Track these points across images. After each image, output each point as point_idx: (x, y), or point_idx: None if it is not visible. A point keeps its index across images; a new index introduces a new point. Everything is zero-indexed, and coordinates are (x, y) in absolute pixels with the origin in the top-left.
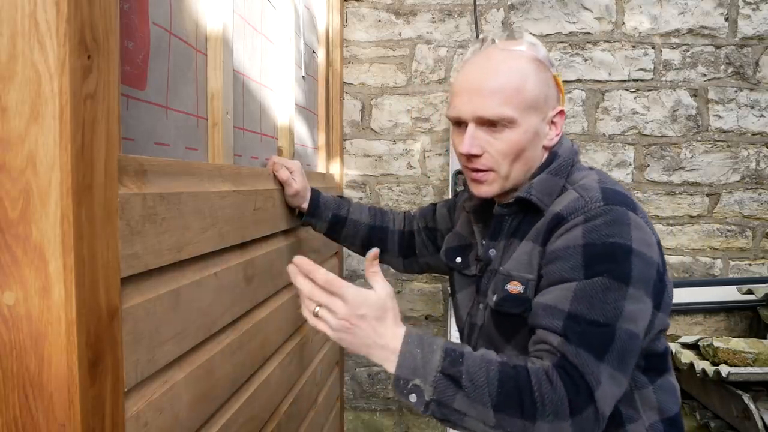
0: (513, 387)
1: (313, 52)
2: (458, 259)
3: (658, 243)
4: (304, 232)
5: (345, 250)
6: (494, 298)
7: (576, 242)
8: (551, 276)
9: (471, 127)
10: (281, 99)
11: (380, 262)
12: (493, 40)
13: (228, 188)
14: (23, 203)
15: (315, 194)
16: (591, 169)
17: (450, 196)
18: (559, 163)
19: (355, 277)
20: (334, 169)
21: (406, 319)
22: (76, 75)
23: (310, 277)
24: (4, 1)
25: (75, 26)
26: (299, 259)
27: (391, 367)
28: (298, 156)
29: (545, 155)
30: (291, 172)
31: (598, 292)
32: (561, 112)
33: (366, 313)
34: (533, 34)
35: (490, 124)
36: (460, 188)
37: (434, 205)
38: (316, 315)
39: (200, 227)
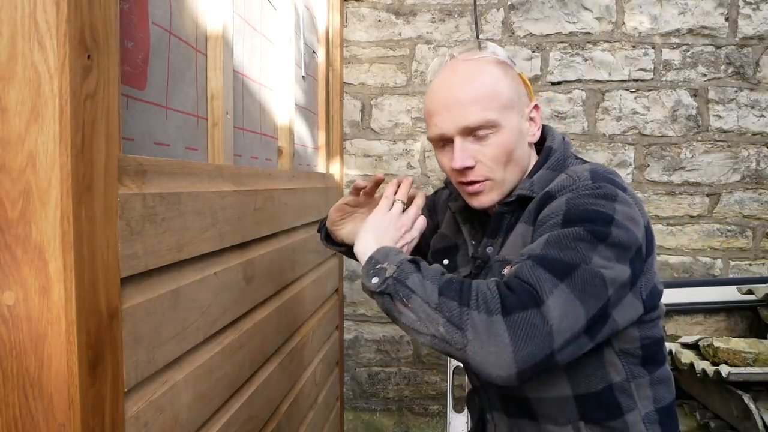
0: (457, 282)
1: (313, 52)
2: (445, 261)
3: (648, 228)
4: (304, 232)
5: None
6: None
7: (559, 208)
8: (534, 240)
9: (458, 140)
10: (281, 99)
11: None
12: (452, 55)
13: (228, 188)
14: (23, 203)
15: None
16: (585, 162)
17: None
18: (556, 158)
19: (354, 277)
20: (334, 169)
21: None
22: (76, 75)
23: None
24: (4, 1)
25: (75, 26)
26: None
27: (370, 249)
28: (298, 156)
29: (532, 152)
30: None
31: (569, 240)
32: (536, 107)
33: (402, 221)
34: (534, 34)
35: (475, 133)
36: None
37: None
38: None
39: (200, 227)
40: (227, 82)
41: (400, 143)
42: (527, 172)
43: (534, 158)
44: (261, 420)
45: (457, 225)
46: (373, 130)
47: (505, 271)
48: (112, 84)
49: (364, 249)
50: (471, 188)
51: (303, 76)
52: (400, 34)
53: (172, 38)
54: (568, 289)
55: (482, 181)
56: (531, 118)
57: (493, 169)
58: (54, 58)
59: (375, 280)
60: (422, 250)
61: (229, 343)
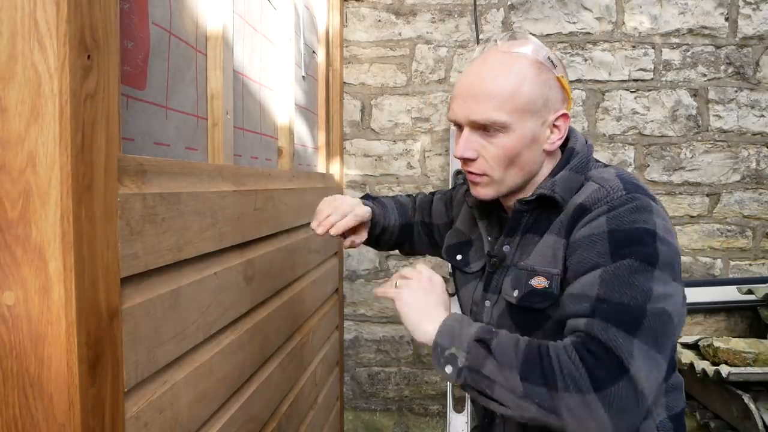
0: (535, 354)
1: (313, 52)
2: (459, 257)
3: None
4: (304, 232)
5: (345, 250)
6: (515, 294)
7: (600, 229)
8: (578, 266)
9: (466, 131)
10: (281, 99)
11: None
12: (495, 41)
13: (228, 188)
14: (23, 203)
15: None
16: (607, 165)
17: None
18: (579, 160)
19: (354, 277)
20: (334, 169)
21: None
22: (76, 75)
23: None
24: (4, 1)
25: (75, 26)
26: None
27: (431, 336)
28: (298, 156)
29: (548, 159)
30: (353, 233)
31: (625, 275)
32: (564, 116)
33: (435, 282)
34: (533, 34)
35: (484, 128)
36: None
37: (433, 195)
38: (396, 286)
39: (200, 227)
40: (227, 82)
41: (400, 143)
42: (549, 172)
43: (548, 165)
44: (261, 420)
45: (473, 220)
46: (373, 130)
47: (534, 281)
48: (112, 84)
49: (423, 335)
50: (470, 177)
51: (303, 76)
52: (400, 34)
53: (172, 38)
54: (644, 344)
55: (480, 175)
56: (555, 126)
57: (493, 168)
58: (54, 58)
59: (449, 369)
60: (434, 239)
61: (229, 343)
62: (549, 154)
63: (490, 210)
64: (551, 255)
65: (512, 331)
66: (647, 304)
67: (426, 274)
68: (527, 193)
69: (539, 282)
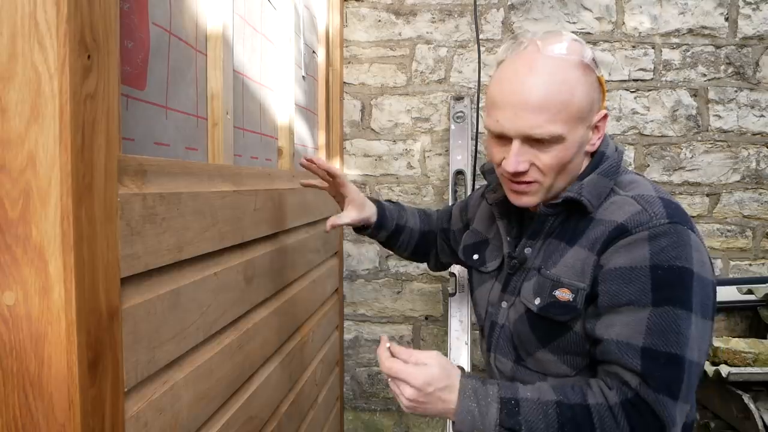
0: (573, 423)
1: (313, 52)
2: (475, 256)
3: (708, 257)
4: (304, 232)
5: (345, 250)
6: (536, 302)
7: (643, 263)
8: (617, 297)
9: (516, 144)
10: (281, 99)
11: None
12: (536, 42)
13: (228, 188)
14: (23, 203)
15: (379, 205)
16: (635, 173)
17: (450, 196)
18: (609, 164)
19: (354, 277)
20: None
21: (406, 319)
22: (76, 75)
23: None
24: (4, 1)
25: (75, 26)
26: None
27: (452, 418)
28: (298, 156)
29: (586, 158)
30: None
31: (669, 322)
32: (605, 116)
33: (433, 390)
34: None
35: (536, 140)
36: (461, 188)
37: (452, 206)
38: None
39: (200, 227)
40: (227, 82)
41: (400, 143)
42: (578, 175)
43: (585, 163)
44: (261, 420)
45: (491, 219)
46: (373, 130)
47: (558, 293)
48: (112, 84)
49: (445, 413)
50: (517, 187)
51: (303, 76)
52: (400, 34)
53: (172, 38)
54: (683, 402)
55: (530, 182)
56: (596, 126)
57: (545, 175)
58: (54, 58)
59: None
60: (451, 246)
61: (229, 343)
62: (587, 155)
63: (510, 209)
64: (580, 268)
65: (529, 338)
66: (686, 353)
67: (415, 391)
68: (555, 197)
69: (563, 294)
